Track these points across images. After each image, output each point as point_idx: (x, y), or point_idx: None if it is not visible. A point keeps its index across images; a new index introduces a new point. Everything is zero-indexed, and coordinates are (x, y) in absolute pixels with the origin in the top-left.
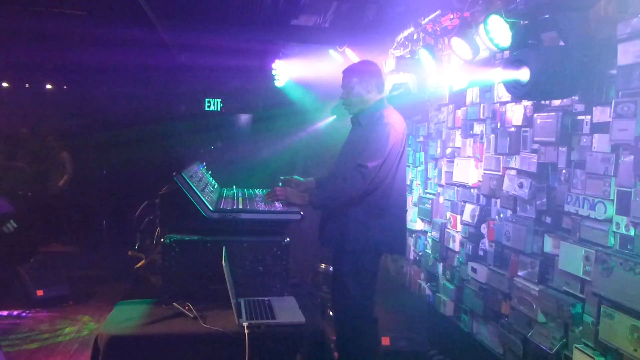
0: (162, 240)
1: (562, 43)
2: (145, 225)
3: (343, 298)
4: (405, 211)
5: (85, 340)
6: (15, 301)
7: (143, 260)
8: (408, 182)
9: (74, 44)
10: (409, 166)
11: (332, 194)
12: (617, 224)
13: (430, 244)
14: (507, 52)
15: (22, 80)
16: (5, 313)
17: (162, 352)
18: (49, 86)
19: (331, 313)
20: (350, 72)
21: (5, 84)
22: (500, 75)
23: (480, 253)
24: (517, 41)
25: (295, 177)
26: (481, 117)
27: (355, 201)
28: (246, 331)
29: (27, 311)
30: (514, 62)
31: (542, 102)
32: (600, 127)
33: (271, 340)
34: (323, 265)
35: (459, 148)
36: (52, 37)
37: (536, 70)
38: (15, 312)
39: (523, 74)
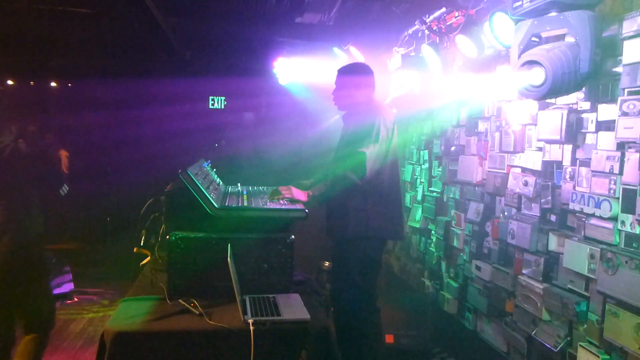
0: (167, 237)
1: (571, 39)
2: (150, 223)
3: (346, 287)
4: (401, 197)
5: (91, 336)
6: None
7: (148, 257)
8: (410, 180)
9: (77, 43)
10: (413, 164)
11: (333, 183)
12: (623, 222)
13: (434, 242)
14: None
15: (27, 77)
16: None
17: (168, 348)
18: (53, 84)
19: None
20: (342, 71)
21: (10, 82)
22: (515, 80)
23: (485, 251)
24: (520, 39)
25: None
26: (485, 115)
27: (355, 188)
28: (251, 328)
29: None
30: (526, 64)
31: (547, 99)
32: (605, 125)
33: (276, 337)
34: (327, 263)
35: (464, 146)
36: (56, 35)
37: (552, 71)
38: None
39: (536, 76)
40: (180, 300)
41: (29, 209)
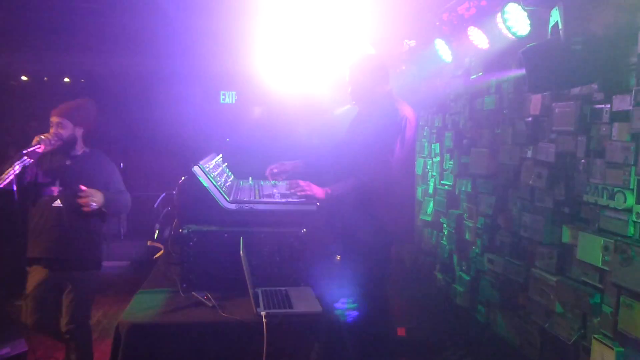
0: (180, 230)
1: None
2: (163, 216)
3: (356, 289)
4: (415, 200)
5: (105, 329)
6: None
7: (162, 251)
8: (421, 173)
9: (88, 37)
10: (424, 157)
11: (355, 187)
12: (637, 213)
13: (446, 235)
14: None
15: (41, 73)
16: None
17: (182, 340)
18: (66, 79)
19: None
20: (356, 66)
21: (24, 77)
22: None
23: (497, 244)
24: (535, 29)
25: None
26: (498, 106)
27: (376, 194)
28: (264, 320)
29: None
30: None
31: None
32: (620, 116)
33: (289, 329)
34: (338, 257)
35: (476, 139)
36: (66, 28)
37: (531, 69)
38: None
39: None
40: (193, 293)
41: None
